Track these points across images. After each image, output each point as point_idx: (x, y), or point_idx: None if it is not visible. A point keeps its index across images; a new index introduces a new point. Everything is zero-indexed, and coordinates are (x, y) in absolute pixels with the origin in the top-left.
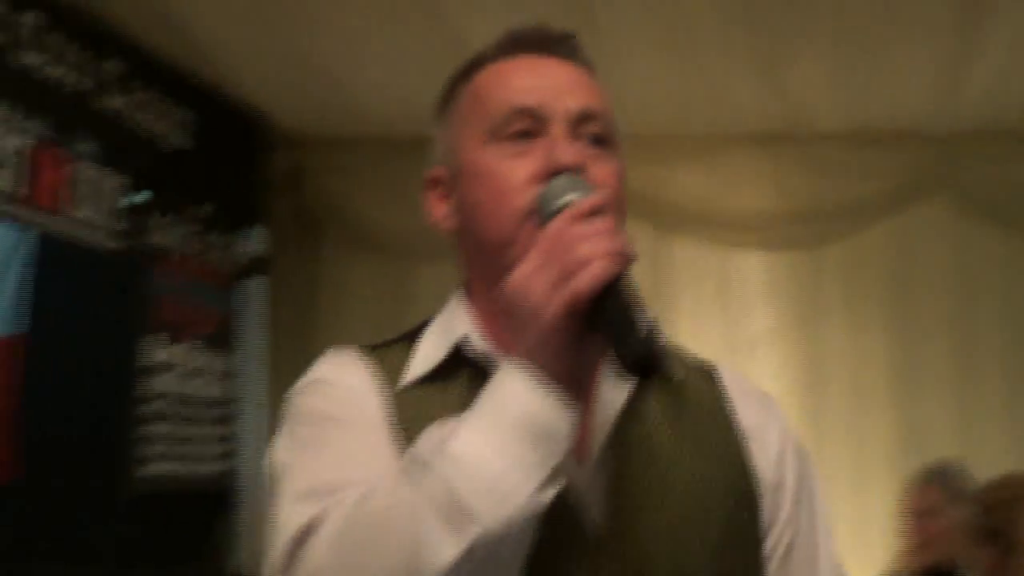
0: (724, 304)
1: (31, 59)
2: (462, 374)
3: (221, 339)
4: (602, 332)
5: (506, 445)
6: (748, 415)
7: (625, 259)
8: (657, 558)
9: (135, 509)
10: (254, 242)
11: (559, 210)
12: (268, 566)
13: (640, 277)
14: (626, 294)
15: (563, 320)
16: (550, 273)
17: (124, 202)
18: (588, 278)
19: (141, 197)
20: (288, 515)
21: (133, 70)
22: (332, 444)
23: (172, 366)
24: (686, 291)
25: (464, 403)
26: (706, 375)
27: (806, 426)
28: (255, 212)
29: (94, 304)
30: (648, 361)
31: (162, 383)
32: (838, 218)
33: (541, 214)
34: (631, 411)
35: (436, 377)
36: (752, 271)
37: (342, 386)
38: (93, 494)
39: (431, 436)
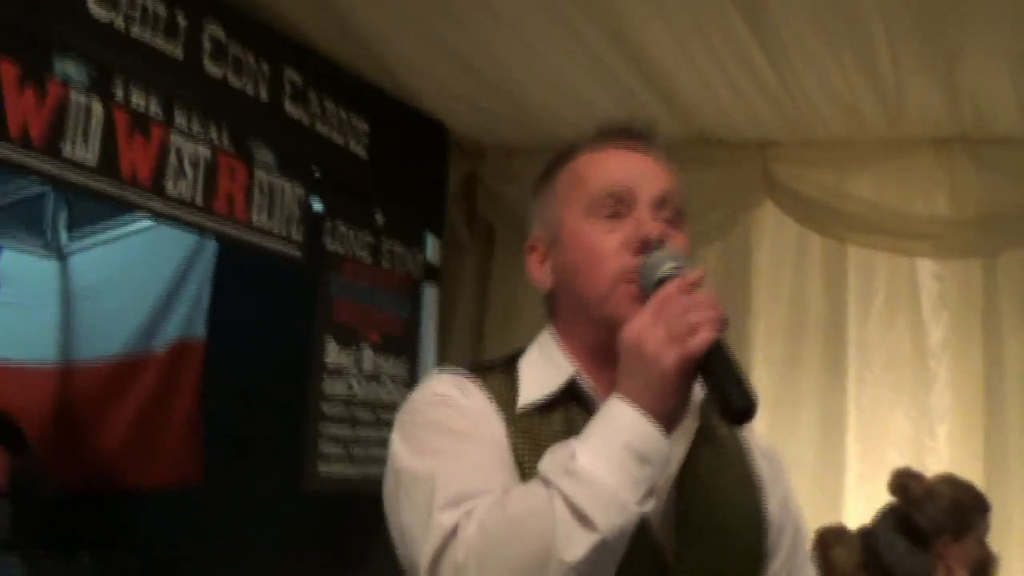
0: (896, 314)
1: (212, 70)
2: (561, 405)
3: (396, 344)
4: (708, 384)
5: (617, 465)
6: (762, 466)
7: (724, 325)
8: (703, 566)
9: (308, 509)
10: (429, 249)
11: (662, 277)
12: (413, 553)
13: (812, 285)
14: (728, 352)
15: (673, 371)
16: (662, 331)
17: (301, 210)
18: (699, 341)
19: (318, 205)
20: (435, 520)
21: (312, 79)
22: (466, 457)
23: (347, 370)
24: (858, 300)
25: (567, 430)
26: (730, 428)
27: (983, 441)
28: (430, 220)
29: (272, 308)
30: (749, 411)
31: (337, 386)
32: (1016, 224)
33: (645, 279)
34: (694, 455)
35: (543, 408)
36: (926, 279)
37: (468, 405)
38: (268, 493)
39: (555, 455)
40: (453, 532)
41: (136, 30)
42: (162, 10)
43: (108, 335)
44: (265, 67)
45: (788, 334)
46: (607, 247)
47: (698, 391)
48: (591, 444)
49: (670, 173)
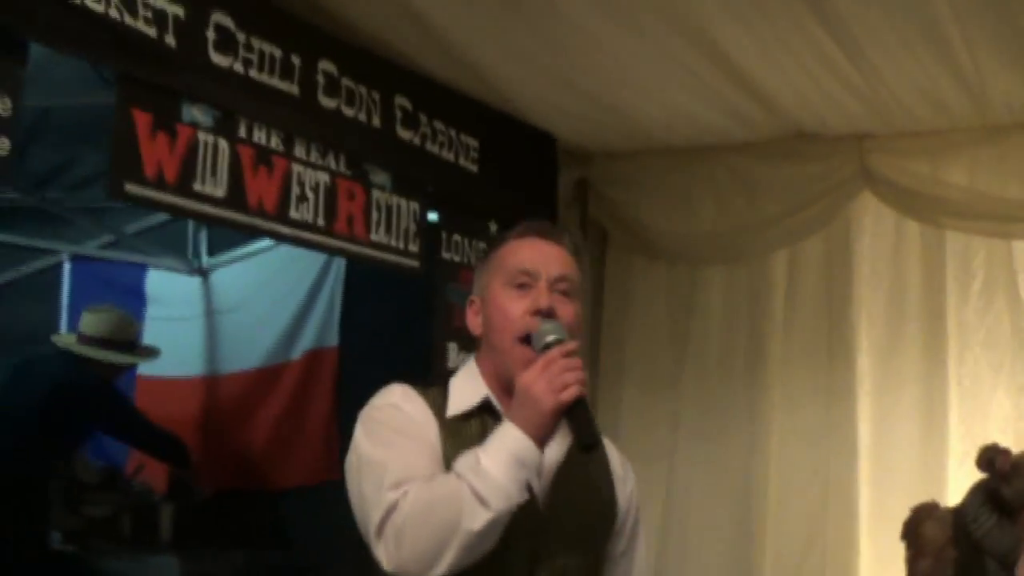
0: (994, 295)
1: (327, 103)
2: (478, 416)
3: None
4: (569, 423)
5: (507, 469)
6: (616, 466)
7: (585, 386)
8: (570, 536)
9: None
10: None
11: (548, 343)
12: (367, 529)
13: (911, 271)
14: (585, 403)
15: (549, 412)
16: (546, 383)
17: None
18: (568, 395)
19: (433, 219)
20: (383, 496)
21: (421, 103)
22: (407, 450)
23: None
24: (956, 283)
25: (481, 433)
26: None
27: None
28: None
29: (399, 316)
30: (594, 446)
31: None
32: None
33: (536, 342)
34: (569, 456)
35: (465, 416)
36: (1022, 261)
37: (412, 411)
38: None
39: (466, 457)
40: (394, 505)
41: (254, 73)
42: (277, 53)
43: (249, 346)
44: (376, 96)
45: (889, 319)
46: (514, 312)
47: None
48: (490, 452)
49: (570, 258)
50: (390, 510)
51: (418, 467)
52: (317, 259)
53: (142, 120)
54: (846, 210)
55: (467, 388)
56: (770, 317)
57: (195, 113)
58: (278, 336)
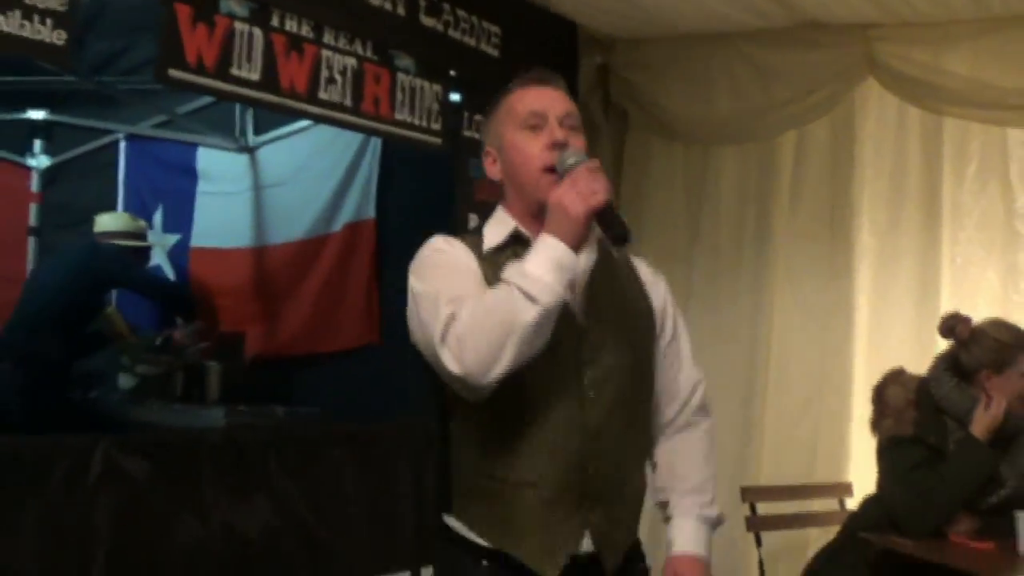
0: (988, 180)
1: None
2: (511, 247)
3: None
4: (602, 225)
5: (548, 269)
6: (645, 274)
7: (611, 193)
8: (610, 340)
9: None
10: None
11: (572, 164)
12: (431, 346)
13: (911, 155)
14: (614, 208)
15: (582, 218)
16: (576, 193)
17: (440, 105)
18: (597, 199)
19: (455, 99)
20: (440, 311)
21: None
22: (456, 279)
23: None
24: (952, 167)
25: (516, 260)
26: (624, 254)
27: None
28: None
29: (430, 190)
30: (625, 236)
31: None
32: None
33: (560, 167)
34: (597, 267)
35: (499, 249)
36: (1015, 148)
37: (453, 252)
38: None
39: (511, 268)
40: (452, 316)
41: None
42: None
43: (293, 219)
44: None
45: (889, 199)
46: (532, 149)
47: (597, 235)
48: (532, 259)
49: (569, 100)
50: (449, 321)
51: (468, 288)
52: (355, 138)
53: (183, 13)
54: (851, 96)
55: (498, 227)
56: (777, 195)
57: (232, 5)
58: (320, 209)
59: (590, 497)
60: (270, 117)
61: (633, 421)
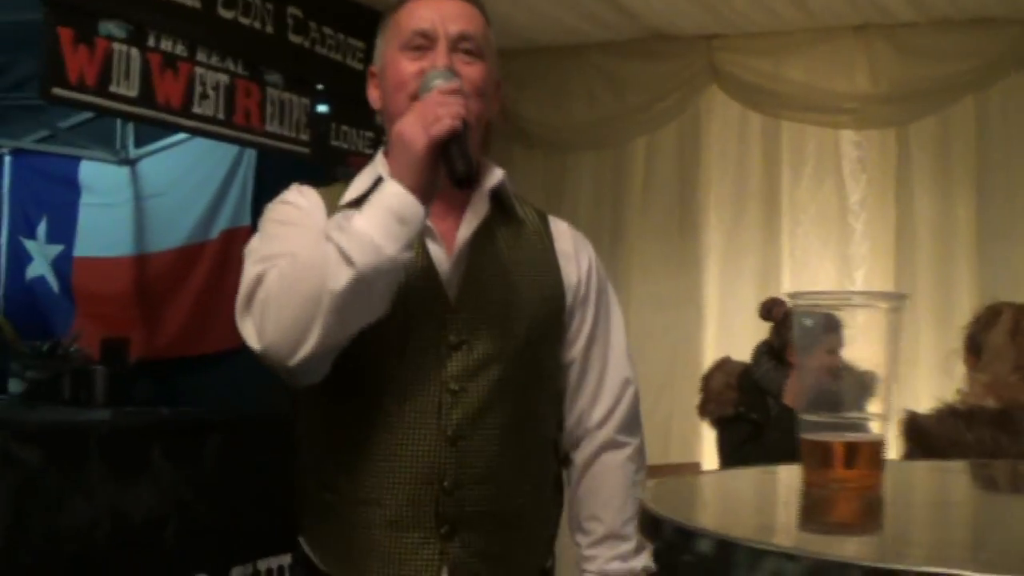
0: (823, 178)
1: (225, 14)
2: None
3: None
4: (443, 159)
5: (379, 222)
6: (565, 244)
7: (462, 119)
8: (489, 321)
9: None
10: None
11: (430, 89)
12: (237, 301)
13: (753, 157)
14: (463, 139)
15: (422, 152)
16: (419, 123)
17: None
18: (440, 128)
19: (322, 110)
20: (249, 271)
21: (311, 12)
22: (285, 236)
23: None
24: (790, 167)
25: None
26: (542, 217)
27: (894, 284)
28: None
29: None
30: (466, 178)
31: None
32: (925, 97)
33: (423, 89)
34: (485, 230)
35: (359, 201)
36: (848, 148)
37: (303, 203)
38: None
39: (336, 219)
40: (259, 278)
41: None
42: None
43: (172, 227)
44: (270, 6)
45: (733, 198)
46: (408, 73)
47: (493, 183)
48: (365, 211)
49: (474, 16)
50: (255, 283)
51: (296, 244)
52: (231, 150)
53: (65, 35)
54: (696, 102)
55: (368, 173)
56: (630, 197)
57: (110, 27)
58: (197, 218)
59: (448, 521)
60: (150, 131)
61: (518, 427)
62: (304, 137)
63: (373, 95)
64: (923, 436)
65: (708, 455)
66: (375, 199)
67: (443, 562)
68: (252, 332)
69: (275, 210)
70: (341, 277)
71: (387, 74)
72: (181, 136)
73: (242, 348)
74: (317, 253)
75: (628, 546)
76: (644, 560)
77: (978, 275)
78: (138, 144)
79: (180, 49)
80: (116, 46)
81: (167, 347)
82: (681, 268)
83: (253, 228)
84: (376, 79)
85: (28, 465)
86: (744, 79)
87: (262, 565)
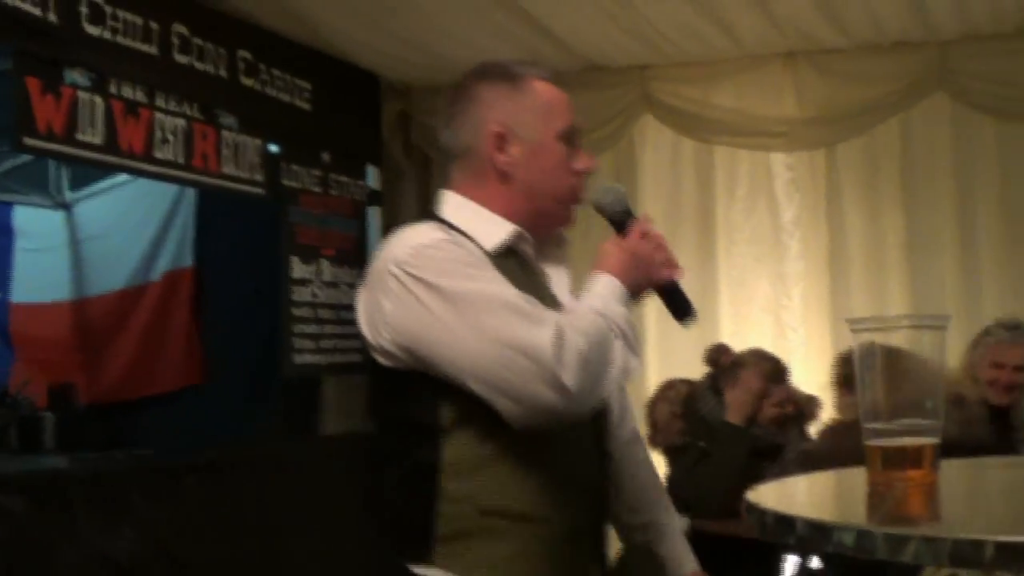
0: (756, 199)
1: (181, 60)
2: (512, 250)
3: (349, 257)
4: (665, 303)
5: (625, 320)
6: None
7: (676, 267)
8: None
9: (288, 391)
10: (370, 178)
11: (621, 211)
12: (538, 358)
13: (687, 180)
14: (680, 290)
15: (647, 286)
16: (661, 261)
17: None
18: (661, 276)
19: (274, 151)
20: (531, 328)
21: (261, 55)
22: (498, 280)
23: (310, 280)
24: (724, 190)
25: (521, 268)
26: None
27: (829, 299)
28: (369, 153)
29: (248, 237)
30: (690, 315)
31: (304, 294)
32: (852, 119)
33: (606, 205)
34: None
35: (505, 249)
36: (779, 169)
37: (471, 249)
38: (257, 380)
39: (606, 303)
40: (560, 335)
41: (120, 39)
42: (139, 20)
43: (111, 270)
44: (222, 51)
45: (669, 221)
46: (571, 169)
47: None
48: (614, 301)
49: None
50: (558, 339)
51: (527, 297)
52: (170, 189)
53: (33, 85)
54: (631, 131)
55: (487, 225)
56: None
57: (75, 76)
58: (138, 260)
59: (603, 533)
60: (85, 173)
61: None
62: (258, 177)
63: (497, 155)
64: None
65: None
66: (616, 297)
67: (596, 561)
68: (572, 376)
69: (453, 252)
70: (633, 362)
71: (546, 155)
72: (119, 179)
73: (191, 388)
74: (603, 327)
75: (674, 510)
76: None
77: (909, 287)
78: (73, 187)
79: (140, 95)
80: (81, 94)
81: (113, 390)
82: None
83: (197, 268)
84: (506, 141)
85: (14, 514)
86: (677, 107)
87: None
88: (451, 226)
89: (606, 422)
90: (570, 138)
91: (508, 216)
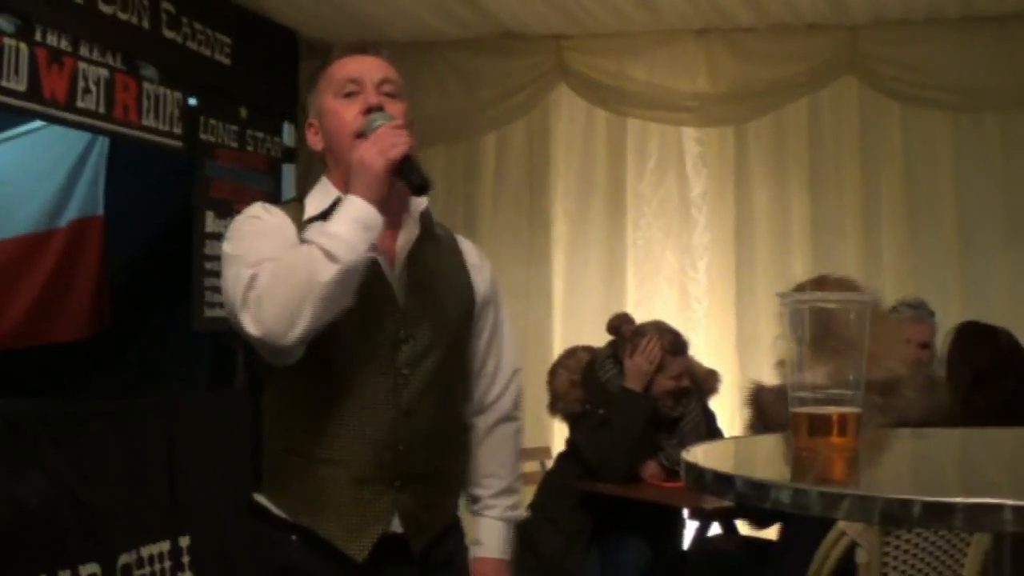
0: (665, 172)
1: (105, 10)
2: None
3: None
4: (402, 177)
5: (350, 228)
6: (472, 257)
7: (411, 146)
8: (428, 319)
9: (196, 343)
10: (286, 135)
11: (374, 127)
12: (231, 300)
13: (599, 151)
14: (415, 161)
15: (382, 172)
16: (376, 150)
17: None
18: (396, 152)
19: (192, 104)
20: (242, 273)
21: (183, 7)
22: (266, 241)
23: (223, 234)
24: (635, 162)
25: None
26: (451, 236)
27: (734, 272)
28: (286, 111)
29: (162, 188)
30: (424, 187)
31: (217, 248)
32: (762, 98)
33: (367, 129)
34: (417, 246)
35: (320, 217)
36: (689, 143)
37: (270, 218)
38: (166, 333)
39: (313, 227)
40: (254, 277)
41: None
42: None
43: (16, 215)
44: (145, 2)
45: (580, 191)
46: (347, 115)
47: (420, 208)
48: (335, 219)
49: (390, 66)
50: (250, 282)
51: (276, 251)
52: (80, 137)
53: None
54: (545, 99)
55: (320, 196)
56: (482, 191)
57: (1, 22)
58: (44, 205)
59: (401, 477)
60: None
61: (447, 402)
62: (177, 131)
63: (315, 140)
64: (764, 410)
65: (558, 439)
66: (342, 211)
67: (395, 509)
68: (251, 321)
69: (247, 223)
70: (327, 271)
71: (328, 120)
72: (30, 126)
73: (91, 339)
74: (300, 254)
75: (517, 498)
76: (522, 509)
77: (812, 265)
78: None
79: (65, 43)
80: (6, 40)
81: (11, 337)
82: (531, 259)
83: (106, 218)
84: (315, 127)
85: None
86: (591, 78)
87: (145, 552)
88: (298, 202)
89: (406, 383)
90: (345, 90)
91: (338, 183)
